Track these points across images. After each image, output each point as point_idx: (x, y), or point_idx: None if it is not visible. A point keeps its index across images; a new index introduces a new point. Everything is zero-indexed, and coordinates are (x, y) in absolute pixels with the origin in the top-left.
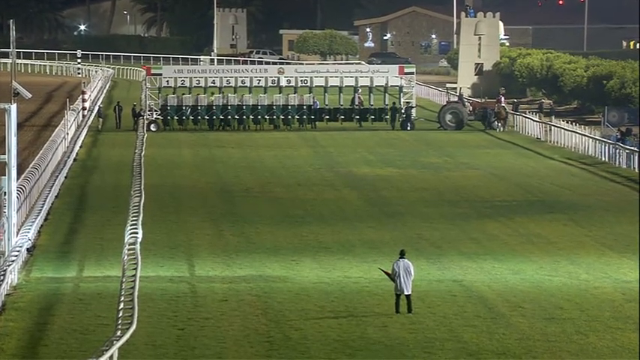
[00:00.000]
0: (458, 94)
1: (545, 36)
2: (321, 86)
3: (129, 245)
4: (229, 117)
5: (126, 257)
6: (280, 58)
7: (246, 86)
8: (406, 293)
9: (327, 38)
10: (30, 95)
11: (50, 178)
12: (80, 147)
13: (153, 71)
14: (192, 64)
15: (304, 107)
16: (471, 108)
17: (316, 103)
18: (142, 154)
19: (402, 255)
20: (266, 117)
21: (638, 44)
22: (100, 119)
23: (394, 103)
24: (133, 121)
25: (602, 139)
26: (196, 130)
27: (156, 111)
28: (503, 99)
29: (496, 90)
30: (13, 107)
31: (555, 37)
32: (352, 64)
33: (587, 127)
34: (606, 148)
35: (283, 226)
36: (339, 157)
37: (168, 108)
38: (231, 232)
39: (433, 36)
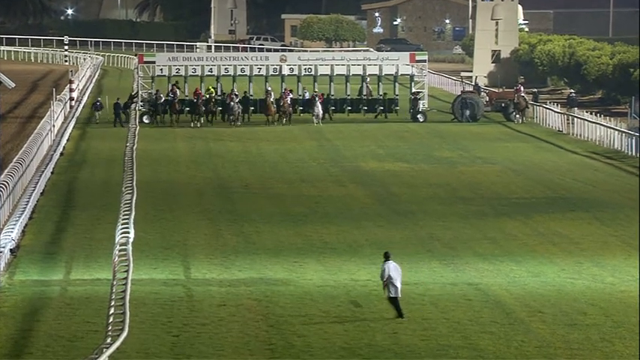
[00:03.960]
0: (473, 83)
1: (567, 20)
2: (327, 75)
3: (120, 246)
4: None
5: (117, 259)
6: (282, 45)
7: (245, 75)
8: (399, 296)
9: (333, 23)
10: (13, 84)
11: (35, 173)
12: (67, 140)
13: (145, 59)
14: (187, 52)
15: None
16: (487, 98)
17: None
18: (134, 147)
19: (387, 257)
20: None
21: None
22: (98, 113)
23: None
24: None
25: (628, 131)
26: (192, 122)
27: (148, 101)
28: (522, 88)
29: (514, 79)
30: None
31: (578, 22)
32: (360, 51)
33: (612, 119)
34: (633, 141)
35: (285, 225)
36: (345, 151)
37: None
38: (230, 231)
39: (447, 21)
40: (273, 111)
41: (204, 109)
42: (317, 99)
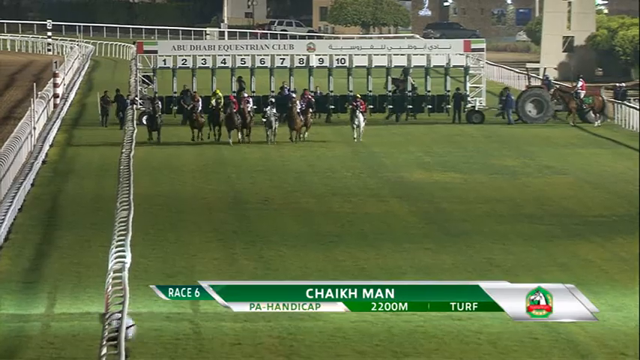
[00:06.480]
0: (542, 76)
1: None
2: (363, 67)
3: (114, 273)
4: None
5: (110, 288)
6: (310, 31)
7: (265, 67)
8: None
9: (371, 5)
10: None
11: (12, 185)
12: (51, 146)
13: (145, 47)
14: (196, 39)
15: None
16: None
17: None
18: (131, 154)
19: None
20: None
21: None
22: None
23: (458, 89)
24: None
25: None
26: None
27: (148, 99)
28: (581, 84)
29: (591, 71)
30: None
31: None
32: (403, 38)
33: None
34: None
35: (313, 247)
36: (385, 159)
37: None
38: (246, 255)
39: (508, 1)
40: (300, 124)
41: (240, 120)
42: (358, 106)
